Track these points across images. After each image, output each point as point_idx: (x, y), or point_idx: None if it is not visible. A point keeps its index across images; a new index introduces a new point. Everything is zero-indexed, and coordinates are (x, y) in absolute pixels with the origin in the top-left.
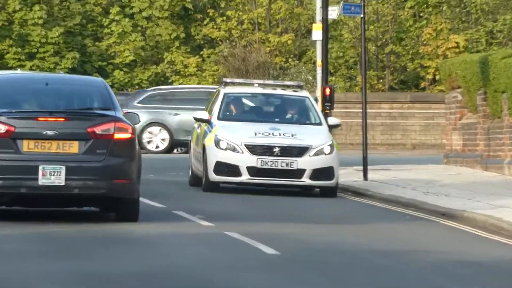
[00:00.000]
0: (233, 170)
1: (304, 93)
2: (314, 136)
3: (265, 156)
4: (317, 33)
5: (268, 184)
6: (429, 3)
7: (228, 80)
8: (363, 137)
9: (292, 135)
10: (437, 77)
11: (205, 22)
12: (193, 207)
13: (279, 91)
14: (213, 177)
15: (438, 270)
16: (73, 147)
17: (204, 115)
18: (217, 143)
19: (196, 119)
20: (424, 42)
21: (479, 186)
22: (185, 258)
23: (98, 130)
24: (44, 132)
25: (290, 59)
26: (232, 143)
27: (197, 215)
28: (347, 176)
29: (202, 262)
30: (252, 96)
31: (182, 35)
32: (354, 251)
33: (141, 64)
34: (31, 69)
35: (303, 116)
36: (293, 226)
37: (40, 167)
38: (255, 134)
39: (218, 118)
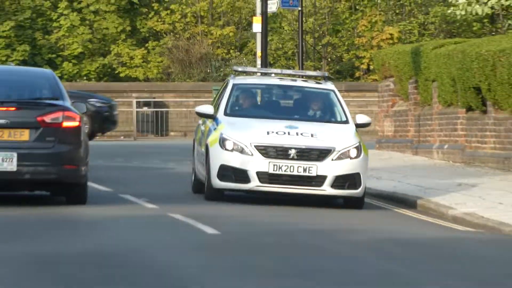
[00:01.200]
0: (241, 175)
1: (329, 85)
2: (338, 136)
3: (279, 159)
4: (257, 26)
5: (282, 193)
6: None
7: (240, 68)
8: None
9: (312, 135)
10: (371, 67)
11: (150, 16)
12: (139, 191)
13: (299, 83)
14: (217, 183)
15: (372, 249)
16: (24, 135)
17: (208, 109)
18: (222, 143)
19: (199, 114)
20: (359, 34)
21: (409, 169)
22: (129, 239)
23: (47, 118)
24: None
25: (231, 51)
26: (240, 143)
27: (142, 198)
28: None
29: (146, 242)
30: (267, 88)
31: (128, 28)
32: (293, 232)
33: (89, 56)
34: None
35: (326, 113)
36: (237, 208)
37: None
38: (268, 133)
39: (225, 114)
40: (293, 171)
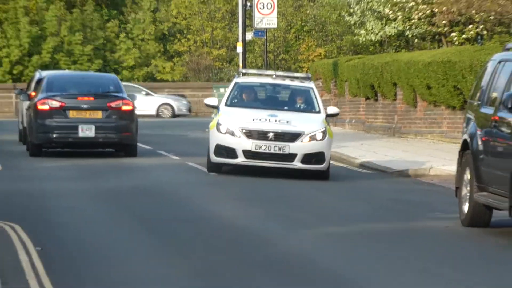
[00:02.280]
0: (231, 152)
1: (309, 84)
2: (308, 123)
3: (260, 140)
4: (239, 48)
5: (262, 167)
6: (304, 30)
7: (244, 70)
8: None
9: (287, 122)
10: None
11: (175, 42)
12: (169, 149)
13: (287, 82)
14: (214, 158)
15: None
16: (98, 115)
17: (213, 101)
18: (218, 127)
19: (207, 105)
20: (301, 53)
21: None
22: (161, 178)
23: (113, 104)
24: (81, 106)
25: (224, 63)
26: (231, 128)
27: (171, 152)
28: None
29: (171, 180)
30: (261, 86)
31: (162, 49)
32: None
33: (138, 66)
34: (73, 69)
35: (304, 105)
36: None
37: (80, 126)
38: (253, 120)
39: (225, 105)
40: (270, 150)
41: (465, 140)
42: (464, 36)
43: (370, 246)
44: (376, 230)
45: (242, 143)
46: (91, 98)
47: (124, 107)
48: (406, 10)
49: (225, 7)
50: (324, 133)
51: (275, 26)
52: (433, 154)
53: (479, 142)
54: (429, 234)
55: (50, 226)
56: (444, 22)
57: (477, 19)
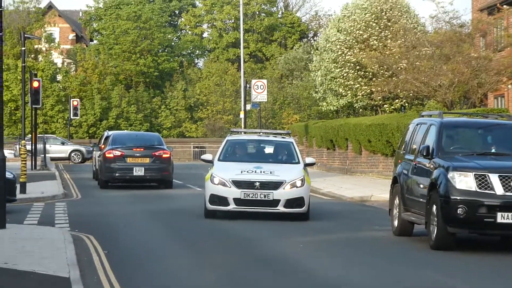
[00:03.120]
0: (223, 200)
1: (289, 139)
2: (289, 172)
3: (248, 189)
4: (242, 115)
5: (250, 212)
6: (285, 103)
7: (235, 129)
8: None
9: (271, 172)
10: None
11: (199, 111)
12: (195, 183)
13: (271, 138)
14: (209, 206)
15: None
16: (147, 160)
17: (208, 157)
18: (212, 179)
19: (203, 160)
20: (283, 118)
21: None
22: (190, 203)
23: (156, 153)
24: (135, 154)
25: (231, 125)
26: (223, 179)
27: (196, 185)
28: None
29: (195, 203)
30: (249, 142)
31: (189, 116)
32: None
33: (173, 128)
34: (130, 130)
35: (285, 157)
36: None
37: (134, 168)
38: (241, 172)
39: (218, 160)
40: (257, 197)
41: (395, 177)
42: (392, 107)
43: (334, 249)
44: (337, 238)
45: (232, 192)
46: (142, 149)
47: (164, 155)
48: (353, 89)
49: (232, 87)
50: (303, 180)
51: (266, 100)
52: (373, 186)
53: (404, 179)
54: (372, 240)
55: (115, 236)
56: (379, 98)
57: (401, 96)
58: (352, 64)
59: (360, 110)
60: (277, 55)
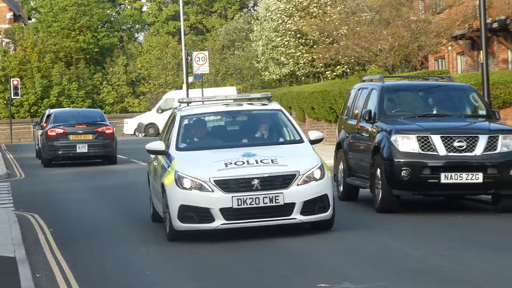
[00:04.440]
0: (203, 214)
1: (274, 105)
2: (299, 158)
3: (242, 192)
4: (184, 88)
5: (250, 227)
6: (227, 74)
7: (185, 99)
8: None
9: (272, 161)
10: None
11: (140, 85)
12: (139, 157)
13: (245, 107)
14: (179, 225)
15: None
16: (90, 137)
17: (159, 145)
18: (178, 181)
19: (151, 152)
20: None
21: None
22: (130, 178)
23: (99, 129)
24: (78, 131)
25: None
26: (198, 179)
27: (140, 160)
28: None
29: (138, 179)
30: (214, 116)
31: (131, 91)
32: None
33: (115, 103)
34: (71, 107)
35: (278, 134)
36: None
37: (77, 145)
38: (226, 165)
39: (177, 149)
40: (259, 203)
41: (338, 143)
42: (334, 73)
43: None
44: None
45: (218, 200)
46: (84, 126)
47: (107, 131)
48: (295, 57)
49: (173, 61)
50: (322, 169)
51: (208, 72)
52: (319, 151)
53: (348, 144)
54: None
55: (60, 214)
56: (320, 65)
57: (343, 62)
58: (293, 32)
59: (303, 78)
60: (218, 26)
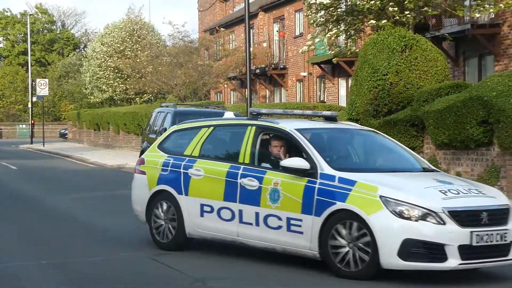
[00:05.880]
0: (435, 252)
1: (356, 125)
2: (487, 189)
3: (476, 227)
4: (30, 105)
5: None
6: (63, 96)
7: (264, 110)
8: None
9: (479, 192)
10: None
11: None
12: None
13: (353, 125)
14: (400, 263)
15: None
16: None
17: (299, 162)
18: (395, 209)
19: (290, 170)
20: (61, 107)
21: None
22: None
23: None
24: None
25: (22, 113)
26: (425, 208)
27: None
28: None
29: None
30: (329, 133)
31: None
32: None
33: None
34: None
35: (403, 159)
36: None
37: None
38: (444, 193)
39: (336, 167)
40: (492, 241)
41: (142, 150)
42: (142, 99)
43: (102, 203)
44: (101, 195)
45: (455, 234)
46: None
47: None
48: (113, 87)
49: (22, 84)
50: None
51: (47, 94)
52: (128, 157)
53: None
54: (125, 197)
55: None
56: (132, 93)
57: (148, 91)
58: (112, 68)
59: (119, 101)
60: (57, 61)
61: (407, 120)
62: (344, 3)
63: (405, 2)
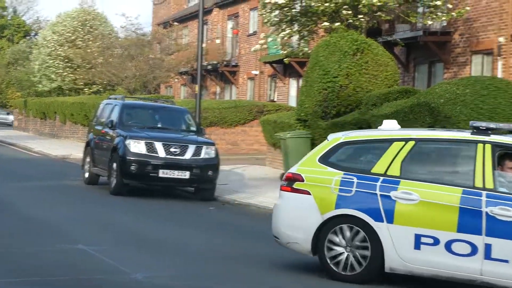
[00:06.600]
0: None
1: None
2: None
3: None
4: None
5: None
6: (10, 84)
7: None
8: None
9: None
10: None
11: None
12: None
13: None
14: None
15: None
16: None
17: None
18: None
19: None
20: (8, 95)
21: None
22: None
23: None
24: None
25: None
26: None
27: None
28: None
29: None
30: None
31: None
32: None
33: None
34: None
35: None
36: None
37: None
38: None
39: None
40: None
41: (88, 141)
42: (91, 90)
43: (41, 193)
44: (46, 185)
45: None
46: None
47: None
48: (62, 76)
49: None
50: None
51: None
52: (73, 148)
53: (94, 142)
54: (69, 187)
55: None
56: (81, 83)
57: (98, 82)
58: (62, 57)
59: (67, 91)
60: (6, 47)
61: (354, 123)
62: (299, 4)
63: (359, 6)
